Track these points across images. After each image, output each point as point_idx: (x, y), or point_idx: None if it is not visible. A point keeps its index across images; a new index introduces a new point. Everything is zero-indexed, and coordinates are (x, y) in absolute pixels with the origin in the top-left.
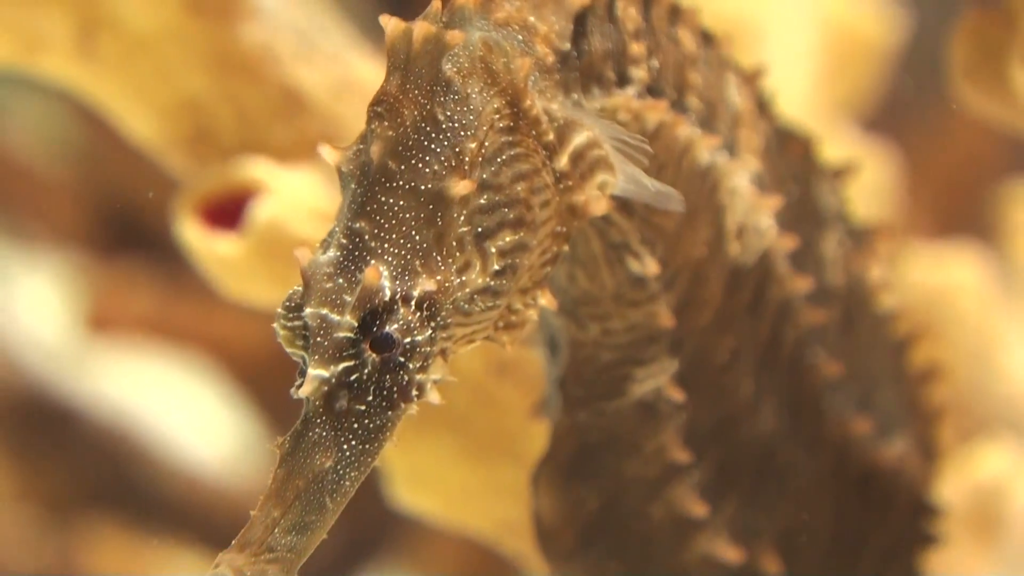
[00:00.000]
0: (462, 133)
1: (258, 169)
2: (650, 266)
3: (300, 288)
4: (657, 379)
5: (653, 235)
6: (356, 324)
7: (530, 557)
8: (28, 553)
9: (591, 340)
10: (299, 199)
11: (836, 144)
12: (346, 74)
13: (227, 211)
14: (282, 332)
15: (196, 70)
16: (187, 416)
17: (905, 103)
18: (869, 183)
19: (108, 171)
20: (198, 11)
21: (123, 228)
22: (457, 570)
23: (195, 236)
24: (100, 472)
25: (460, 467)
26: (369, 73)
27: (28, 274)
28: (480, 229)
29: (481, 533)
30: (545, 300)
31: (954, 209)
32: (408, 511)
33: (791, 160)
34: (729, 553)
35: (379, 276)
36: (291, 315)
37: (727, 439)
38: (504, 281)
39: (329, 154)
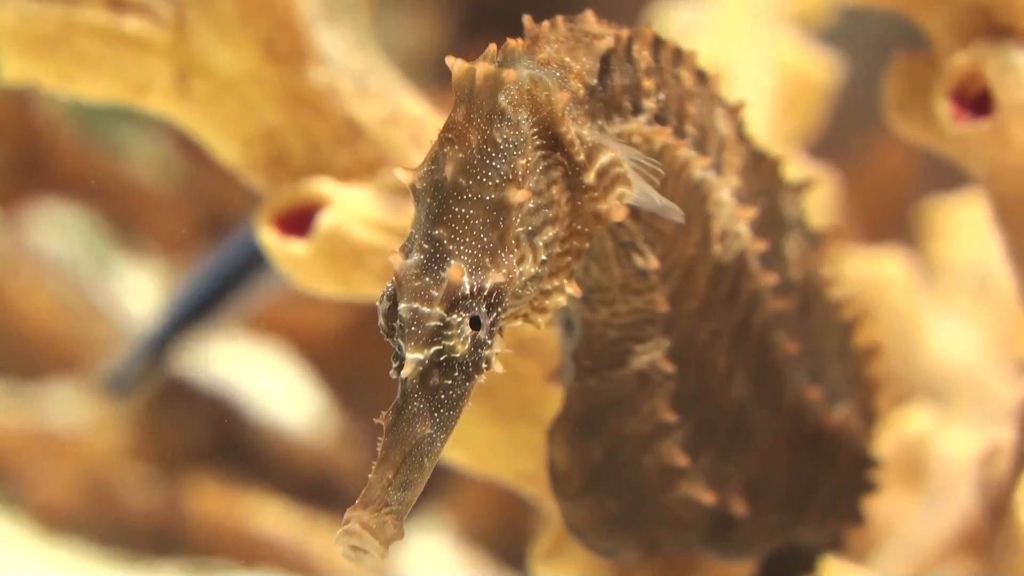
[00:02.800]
0: (515, 152)
1: (323, 186)
2: (652, 262)
3: (389, 288)
4: (652, 354)
5: (654, 236)
6: (444, 314)
7: (543, 499)
8: (142, 501)
9: (600, 321)
10: (356, 211)
11: (788, 169)
12: (394, 108)
13: (298, 220)
14: (383, 327)
15: (273, 106)
16: (271, 387)
17: (842, 131)
18: (814, 198)
19: (204, 190)
20: (274, 59)
21: (215, 237)
22: (484, 508)
23: (272, 240)
24: (203, 433)
25: (487, 427)
26: (412, 106)
27: (142, 276)
28: (530, 228)
29: (504, 480)
30: (572, 289)
31: (882, 219)
32: (446, 463)
33: (762, 176)
34: (705, 496)
35: (462, 274)
36: (388, 312)
37: (705, 403)
38: (545, 268)
39: (403, 175)
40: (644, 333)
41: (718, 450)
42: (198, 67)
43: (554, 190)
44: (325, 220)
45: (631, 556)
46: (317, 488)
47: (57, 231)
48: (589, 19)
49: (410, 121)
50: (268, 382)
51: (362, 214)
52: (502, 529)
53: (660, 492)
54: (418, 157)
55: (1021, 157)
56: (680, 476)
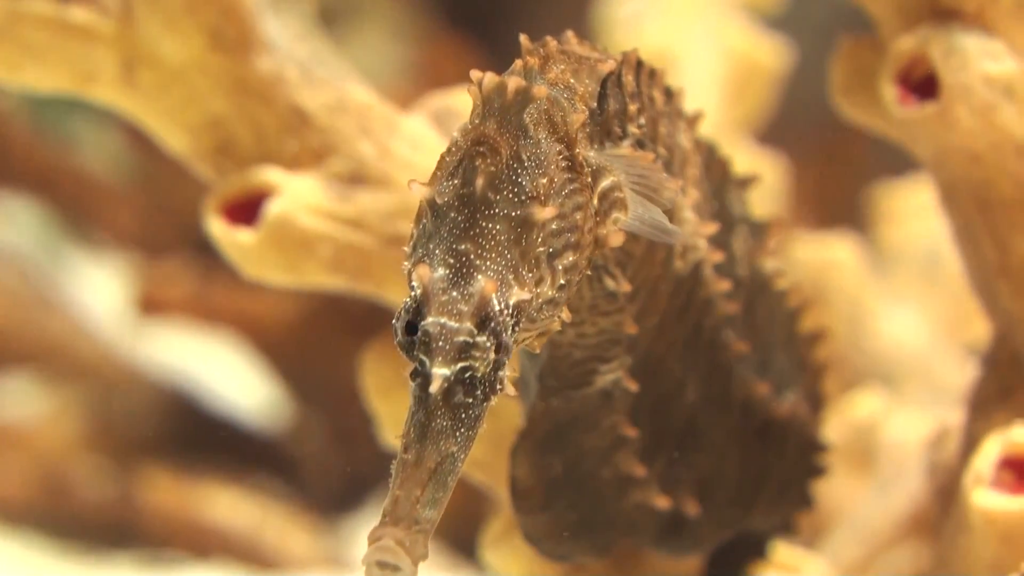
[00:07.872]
0: (537, 170)
1: (270, 174)
2: (623, 285)
3: (408, 306)
4: (616, 373)
5: (624, 258)
6: (473, 329)
7: (491, 486)
8: (96, 493)
9: (567, 342)
10: (303, 199)
11: (737, 155)
12: (340, 95)
13: (246, 209)
14: (402, 341)
15: (219, 95)
16: (223, 377)
17: (791, 117)
18: (762, 186)
19: (156, 182)
20: (220, 47)
21: (168, 229)
22: None
23: (220, 229)
24: (156, 424)
25: None
26: (358, 94)
27: (94, 269)
28: (551, 250)
29: None
30: (565, 314)
31: (832, 205)
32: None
33: (713, 178)
34: (660, 502)
35: (495, 289)
36: (408, 326)
37: (661, 411)
38: (563, 294)
39: (420, 190)
40: (609, 353)
41: (671, 454)
42: (144, 56)
43: (578, 216)
44: (273, 208)
45: (584, 559)
46: (270, 478)
47: (8, 223)
48: (571, 39)
49: (357, 108)
50: (220, 372)
51: (310, 202)
52: (452, 515)
53: (616, 500)
54: (365, 145)
55: (966, 140)
56: (636, 484)
